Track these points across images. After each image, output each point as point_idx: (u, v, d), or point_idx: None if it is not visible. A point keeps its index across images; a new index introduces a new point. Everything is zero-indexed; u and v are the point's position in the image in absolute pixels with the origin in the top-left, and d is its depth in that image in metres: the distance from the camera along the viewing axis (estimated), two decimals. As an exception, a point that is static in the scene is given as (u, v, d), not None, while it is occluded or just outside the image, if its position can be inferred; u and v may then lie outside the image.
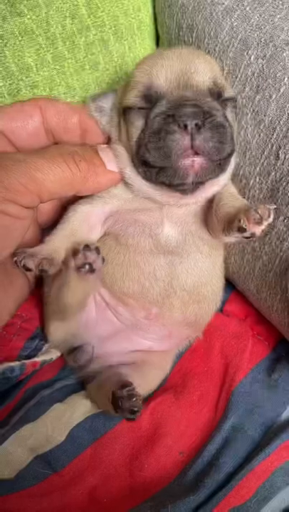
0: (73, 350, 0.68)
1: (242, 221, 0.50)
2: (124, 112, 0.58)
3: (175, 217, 0.62)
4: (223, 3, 0.68)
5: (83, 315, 0.66)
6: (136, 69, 0.60)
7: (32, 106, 0.62)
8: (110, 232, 0.64)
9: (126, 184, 0.61)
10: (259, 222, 0.50)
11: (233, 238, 0.54)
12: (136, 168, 0.58)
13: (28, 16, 0.71)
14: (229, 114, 0.59)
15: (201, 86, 0.56)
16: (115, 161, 0.59)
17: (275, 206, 0.58)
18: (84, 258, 0.57)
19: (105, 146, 0.62)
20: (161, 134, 0.51)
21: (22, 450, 0.60)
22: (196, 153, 0.52)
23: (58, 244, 0.60)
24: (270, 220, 0.52)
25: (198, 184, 0.55)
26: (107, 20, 0.76)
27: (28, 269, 0.55)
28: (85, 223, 0.62)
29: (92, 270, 0.57)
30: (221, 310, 0.74)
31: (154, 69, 0.56)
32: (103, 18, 0.75)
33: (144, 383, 0.67)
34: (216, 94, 0.57)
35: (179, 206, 0.61)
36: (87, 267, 0.57)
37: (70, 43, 0.74)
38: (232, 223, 0.52)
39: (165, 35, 0.80)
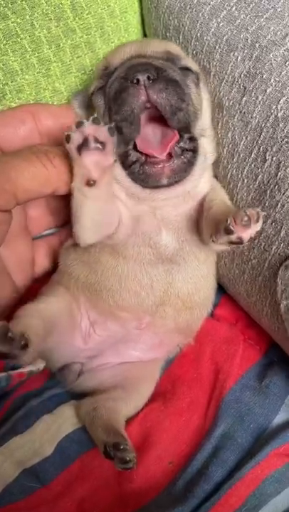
0: (60, 370, 0.67)
1: (229, 221, 0.49)
2: (90, 100, 0.60)
3: (170, 223, 0.61)
4: (210, 4, 0.67)
5: (68, 340, 0.65)
6: (100, 61, 0.63)
7: (23, 111, 0.63)
8: (108, 244, 0.62)
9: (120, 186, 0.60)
10: (247, 225, 0.49)
11: (221, 245, 0.53)
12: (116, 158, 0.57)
13: (13, 19, 0.70)
14: (191, 83, 0.60)
15: (154, 53, 0.58)
16: None
17: (265, 213, 0.57)
18: (93, 130, 0.51)
19: None
20: (118, 96, 0.53)
21: (9, 464, 0.59)
22: (169, 157, 0.55)
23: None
24: (259, 224, 0.51)
25: (172, 184, 0.57)
26: (93, 23, 0.75)
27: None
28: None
29: (102, 145, 0.51)
30: (212, 314, 0.73)
31: (110, 53, 0.61)
32: (89, 20, 0.74)
33: (137, 400, 0.66)
34: (172, 60, 0.58)
35: (162, 205, 0.60)
36: (92, 142, 0.51)
37: (55, 46, 0.73)
38: (219, 225, 0.51)
39: (152, 37, 0.79)
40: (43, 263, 0.71)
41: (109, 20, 0.77)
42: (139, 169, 0.55)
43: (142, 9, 0.81)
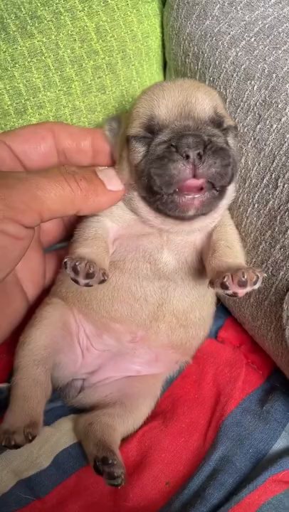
0: (63, 387, 0.67)
1: (226, 278, 0.52)
2: (127, 139, 0.59)
3: (174, 245, 0.63)
4: (229, 33, 0.69)
5: (69, 357, 0.67)
6: (138, 99, 0.62)
7: (45, 129, 0.64)
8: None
9: (127, 207, 0.62)
10: (243, 285, 0.52)
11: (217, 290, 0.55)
12: (137, 191, 0.59)
13: (38, 38, 0.72)
14: (231, 140, 0.61)
15: (202, 115, 0.57)
16: (115, 181, 0.60)
17: (266, 275, 0.58)
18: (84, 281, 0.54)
19: (106, 167, 0.63)
20: (163, 160, 0.52)
21: (6, 473, 0.59)
22: (200, 189, 0.53)
23: (95, 250, 0.59)
24: (256, 287, 0.53)
25: (197, 216, 0.57)
26: (116, 45, 0.77)
27: (76, 276, 0.53)
28: (106, 235, 0.62)
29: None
30: (216, 336, 0.73)
31: (155, 100, 0.58)
32: (112, 43, 0.77)
33: (136, 417, 0.66)
34: (217, 123, 0.59)
35: (176, 232, 0.61)
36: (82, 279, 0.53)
37: (78, 66, 0.75)
38: (217, 277, 0.53)
39: (172, 62, 0.82)
40: (52, 276, 0.72)
41: (132, 44, 0.79)
42: (168, 198, 0.54)
43: (163, 35, 0.84)
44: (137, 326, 0.64)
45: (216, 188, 0.55)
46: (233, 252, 0.62)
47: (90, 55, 0.76)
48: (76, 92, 0.76)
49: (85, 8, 0.74)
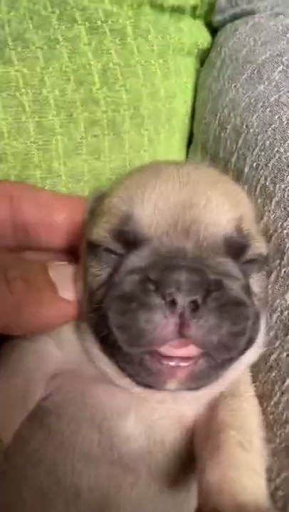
0: None
1: None
2: (87, 245, 0.38)
3: (148, 410, 0.40)
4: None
5: None
6: (118, 183, 0.40)
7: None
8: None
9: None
10: None
11: None
12: (90, 329, 0.38)
13: (17, 68, 0.50)
14: (256, 281, 0.37)
15: (211, 234, 0.35)
16: (74, 288, 0.39)
17: None
18: None
19: (65, 263, 0.41)
20: (132, 304, 0.31)
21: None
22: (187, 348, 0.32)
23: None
24: None
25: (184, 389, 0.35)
26: (126, 99, 0.55)
27: None
28: (39, 367, 0.41)
29: None
30: None
31: (140, 190, 0.36)
32: (121, 94, 0.54)
33: None
34: (236, 250, 0.35)
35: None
36: None
37: (65, 115, 0.53)
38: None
39: (201, 136, 0.59)
40: None
41: (149, 102, 0.57)
42: (135, 357, 0.34)
43: (194, 100, 0.62)
44: None
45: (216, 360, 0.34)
46: (249, 458, 0.36)
47: (86, 104, 0.53)
48: (57, 149, 0.53)
49: (93, 42, 0.53)
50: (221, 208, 0.36)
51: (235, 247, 0.35)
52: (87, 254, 0.38)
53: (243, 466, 0.35)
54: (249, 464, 0.36)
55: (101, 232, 0.37)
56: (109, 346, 0.35)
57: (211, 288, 0.31)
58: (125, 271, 0.34)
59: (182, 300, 0.30)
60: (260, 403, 0.42)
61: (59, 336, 0.42)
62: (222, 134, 0.53)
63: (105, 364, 0.38)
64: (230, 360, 0.36)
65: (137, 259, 0.34)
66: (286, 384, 0.40)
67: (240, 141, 0.50)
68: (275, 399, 0.41)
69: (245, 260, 0.36)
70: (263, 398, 0.43)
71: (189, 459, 0.40)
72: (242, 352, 0.36)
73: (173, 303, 0.30)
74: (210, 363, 0.33)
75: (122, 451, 0.39)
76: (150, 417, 0.40)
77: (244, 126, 0.50)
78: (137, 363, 0.33)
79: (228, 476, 0.34)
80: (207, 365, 0.33)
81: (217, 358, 0.33)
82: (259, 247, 0.37)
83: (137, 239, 0.35)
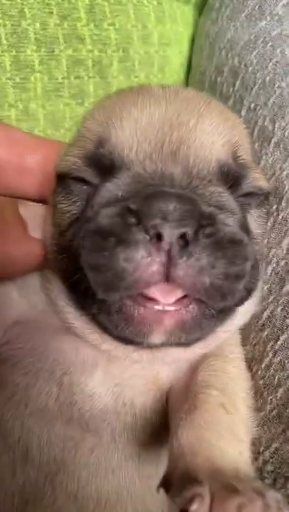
0: None
1: (196, 506, 0.23)
2: (56, 180, 0.32)
3: (117, 367, 0.34)
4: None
5: None
6: (89, 114, 0.34)
7: None
8: None
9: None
10: None
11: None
12: (57, 275, 0.33)
13: None
14: (254, 219, 0.32)
15: (204, 159, 0.29)
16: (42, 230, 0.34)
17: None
18: None
19: (37, 204, 0.35)
20: (109, 240, 0.26)
21: None
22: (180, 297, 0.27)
23: None
24: None
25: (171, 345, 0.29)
26: (115, 39, 0.50)
27: None
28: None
29: None
30: None
31: (117, 110, 0.31)
32: (109, 34, 0.50)
33: None
34: (233, 179, 0.30)
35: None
36: None
37: (46, 51, 0.48)
38: (181, 483, 0.25)
39: (197, 85, 0.53)
40: None
41: (140, 46, 0.52)
42: (112, 305, 0.28)
43: (191, 51, 0.57)
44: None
45: (210, 308, 0.28)
46: (231, 421, 0.30)
47: (69, 41, 0.48)
48: (35, 88, 0.48)
49: (80, -25, 0.48)
50: (216, 129, 0.30)
51: (231, 176, 0.30)
52: (54, 191, 0.33)
53: (224, 428, 0.29)
54: (231, 427, 0.30)
55: (71, 159, 0.31)
56: (81, 293, 0.29)
57: (204, 222, 0.25)
58: (100, 202, 0.29)
59: (169, 234, 0.25)
60: (249, 368, 0.36)
61: (24, 282, 0.36)
62: (218, 79, 0.48)
63: (72, 317, 0.32)
64: (226, 312, 0.30)
65: (114, 187, 0.29)
66: (279, 343, 0.34)
67: (237, 83, 0.45)
68: (267, 361, 0.35)
69: (242, 193, 0.31)
70: (252, 362, 0.37)
71: (162, 427, 0.34)
72: (240, 301, 0.29)
73: (158, 237, 0.25)
74: (202, 310, 0.27)
75: (84, 409, 0.34)
76: (120, 375, 0.34)
77: (242, 66, 0.45)
78: (115, 310, 0.27)
79: (204, 436, 0.28)
80: (200, 313, 0.28)
81: (211, 306, 0.27)
82: (258, 178, 0.32)
83: (114, 164, 0.29)
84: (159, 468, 0.34)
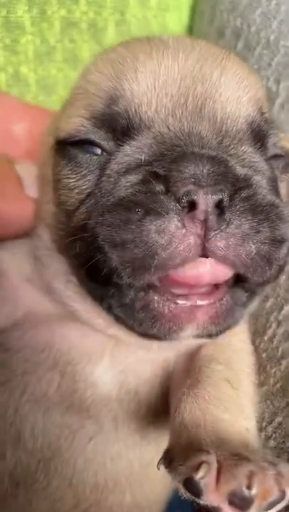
0: None
1: (201, 473, 0.21)
2: (56, 150, 0.29)
3: (124, 354, 0.33)
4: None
5: None
6: (92, 65, 0.31)
7: None
8: None
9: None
10: (240, 507, 0.21)
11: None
12: (65, 258, 0.30)
13: None
14: (282, 185, 0.30)
15: (232, 115, 0.27)
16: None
17: None
18: None
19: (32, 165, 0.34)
20: (134, 213, 0.23)
21: None
22: (213, 288, 0.25)
23: None
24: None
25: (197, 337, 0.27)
26: (110, 1, 0.47)
27: None
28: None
29: None
30: None
31: (129, 62, 0.28)
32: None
33: None
34: (261, 137, 0.28)
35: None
36: None
37: (38, 12, 0.46)
38: (185, 457, 0.23)
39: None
40: None
41: (137, 10, 0.50)
42: (135, 295, 0.25)
43: (190, 19, 0.55)
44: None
45: (247, 288, 0.26)
46: (237, 396, 0.28)
47: (63, 1, 0.46)
48: (26, 51, 0.46)
49: None
50: (240, 83, 0.28)
51: (261, 134, 0.28)
52: (55, 164, 0.29)
53: (229, 402, 0.27)
54: (237, 403, 0.28)
55: (76, 121, 0.28)
56: (99, 282, 0.26)
57: (240, 184, 0.23)
58: (119, 170, 0.26)
59: (204, 201, 0.22)
60: (252, 342, 0.34)
61: (14, 249, 0.34)
62: (220, 42, 0.45)
63: (80, 305, 0.30)
64: (259, 292, 0.28)
65: (134, 150, 0.26)
66: (283, 312, 0.32)
67: (239, 45, 0.43)
68: (270, 332, 0.33)
69: (269, 155, 0.29)
70: (254, 335, 0.34)
71: (164, 414, 0.32)
72: (282, 268, 0.26)
73: (192, 206, 0.22)
74: (235, 299, 0.26)
75: (85, 395, 0.32)
76: (125, 360, 0.33)
77: (245, 27, 0.42)
78: (140, 304, 0.25)
79: (209, 409, 0.26)
80: (232, 303, 0.26)
81: (253, 282, 0.25)
82: (282, 138, 0.30)
83: (131, 123, 0.26)
84: (159, 456, 0.32)
